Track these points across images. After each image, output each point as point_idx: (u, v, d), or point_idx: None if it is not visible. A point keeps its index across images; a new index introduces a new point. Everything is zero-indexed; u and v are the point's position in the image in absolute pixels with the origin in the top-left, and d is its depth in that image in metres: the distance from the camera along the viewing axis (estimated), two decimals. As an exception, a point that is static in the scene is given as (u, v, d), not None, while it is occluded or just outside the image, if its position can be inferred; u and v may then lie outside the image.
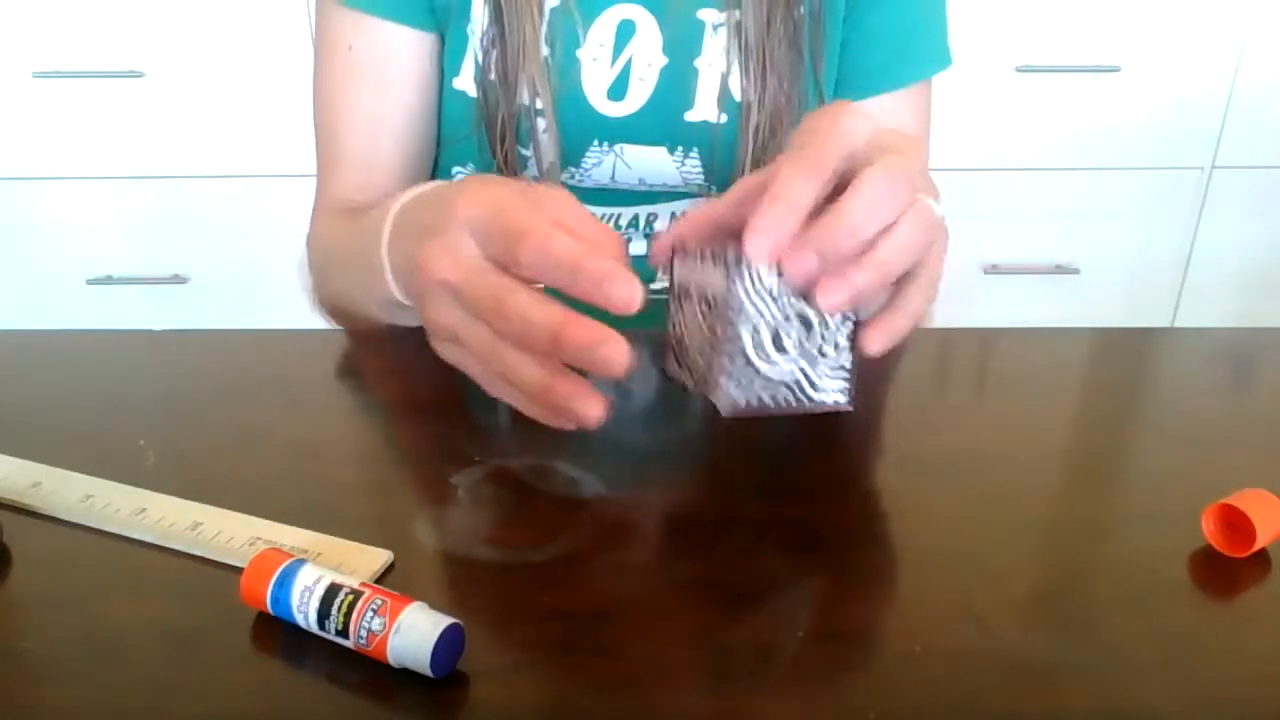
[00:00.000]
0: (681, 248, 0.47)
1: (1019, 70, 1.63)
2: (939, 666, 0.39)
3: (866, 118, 0.45)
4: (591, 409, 0.42)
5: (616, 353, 0.39)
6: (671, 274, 0.48)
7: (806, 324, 0.44)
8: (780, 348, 0.44)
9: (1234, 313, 1.81)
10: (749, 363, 0.44)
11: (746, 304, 0.43)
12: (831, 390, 0.46)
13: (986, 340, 0.65)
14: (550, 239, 0.41)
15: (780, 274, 0.43)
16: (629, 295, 0.39)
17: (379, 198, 0.74)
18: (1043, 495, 0.50)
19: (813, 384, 0.46)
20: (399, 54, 0.73)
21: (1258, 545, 0.44)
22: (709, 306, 0.44)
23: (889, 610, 0.42)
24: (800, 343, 0.44)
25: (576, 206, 0.45)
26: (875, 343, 0.45)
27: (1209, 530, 0.46)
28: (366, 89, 0.73)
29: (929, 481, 0.50)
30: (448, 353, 0.47)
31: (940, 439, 0.53)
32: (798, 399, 0.46)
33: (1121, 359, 0.65)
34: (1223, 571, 0.44)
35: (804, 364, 0.45)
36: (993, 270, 1.75)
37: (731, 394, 0.44)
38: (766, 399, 0.45)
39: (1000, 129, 1.68)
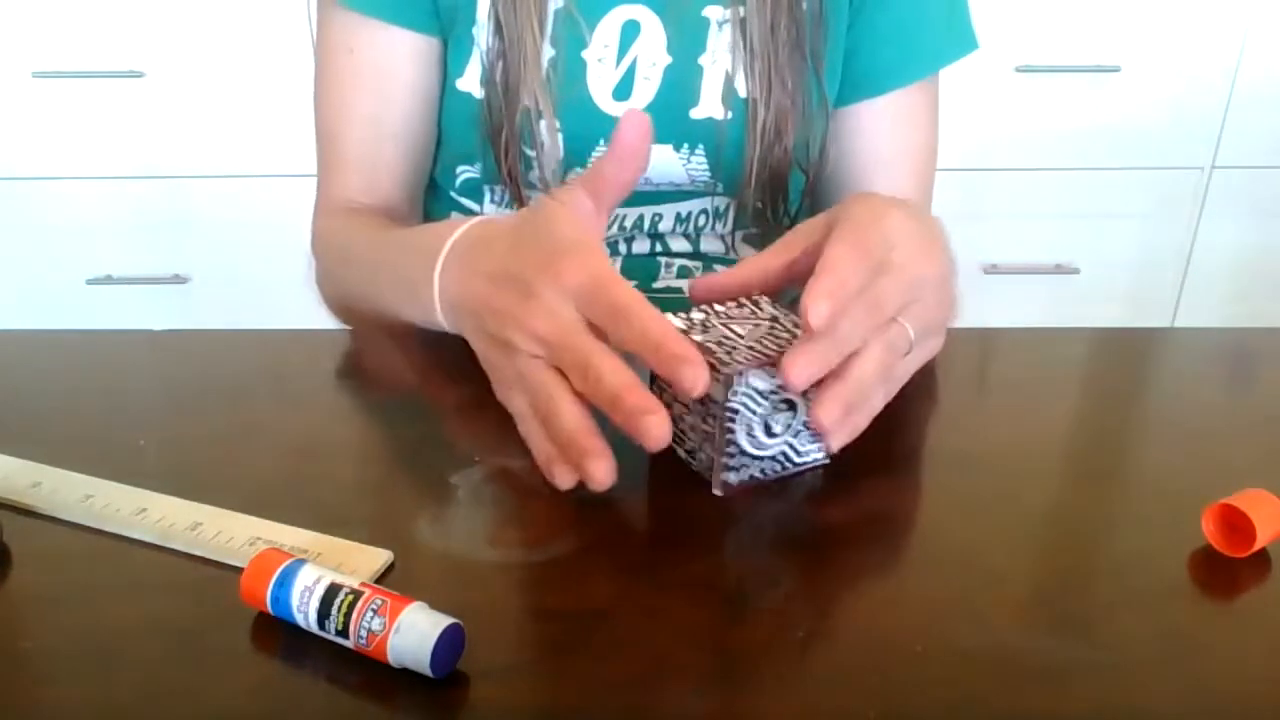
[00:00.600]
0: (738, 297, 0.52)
1: (1019, 70, 1.63)
2: (939, 666, 0.39)
3: (893, 208, 0.50)
4: (602, 471, 0.44)
5: (657, 427, 0.43)
6: None
7: (791, 406, 0.48)
8: (770, 434, 0.48)
9: (1234, 313, 1.81)
10: (742, 451, 0.48)
11: (743, 409, 0.47)
12: (812, 452, 0.50)
13: (986, 340, 0.65)
14: (649, 321, 0.44)
15: (774, 377, 0.46)
16: (695, 378, 0.42)
17: (383, 199, 0.75)
18: (1043, 495, 0.50)
19: (797, 452, 0.50)
20: (400, 58, 0.73)
21: (1258, 545, 0.44)
22: (703, 405, 0.47)
23: (889, 610, 0.42)
24: (787, 424, 0.48)
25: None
26: (839, 442, 0.48)
27: (1209, 530, 0.46)
28: (367, 93, 0.73)
29: (929, 481, 0.50)
30: (510, 400, 0.50)
31: (940, 439, 0.53)
32: (784, 467, 0.50)
33: (1121, 359, 0.65)
34: (1223, 571, 0.44)
35: (789, 439, 0.49)
36: (993, 270, 1.75)
37: (727, 478, 0.48)
38: (757, 473, 0.49)
39: (1000, 129, 1.68)
